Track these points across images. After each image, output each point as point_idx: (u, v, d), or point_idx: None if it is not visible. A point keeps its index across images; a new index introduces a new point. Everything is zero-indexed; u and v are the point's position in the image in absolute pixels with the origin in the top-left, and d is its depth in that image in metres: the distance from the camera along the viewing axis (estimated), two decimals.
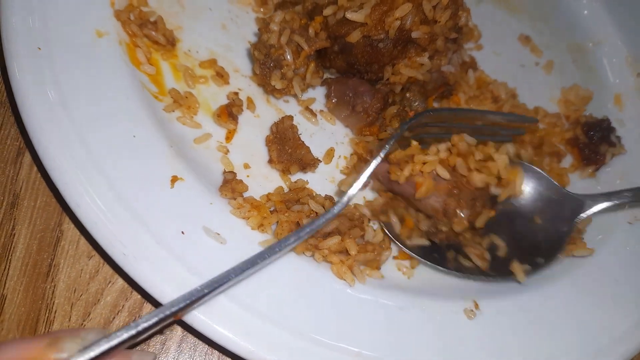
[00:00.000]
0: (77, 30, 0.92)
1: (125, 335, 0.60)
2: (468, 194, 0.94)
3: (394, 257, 0.98)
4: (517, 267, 0.97)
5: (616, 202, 1.06)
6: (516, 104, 1.21)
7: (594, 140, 1.19)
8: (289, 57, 1.00)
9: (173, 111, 0.97)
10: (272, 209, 0.92)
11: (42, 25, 0.89)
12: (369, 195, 1.04)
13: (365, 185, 0.95)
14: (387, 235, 0.97)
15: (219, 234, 0.85)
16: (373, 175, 0.95)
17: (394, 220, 0.96)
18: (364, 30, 0.98)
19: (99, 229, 0.79)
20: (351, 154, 1.07)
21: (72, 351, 0.54)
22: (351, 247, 0.89)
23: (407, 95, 1.06)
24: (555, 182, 1.06)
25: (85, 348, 0.55)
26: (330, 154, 1.05)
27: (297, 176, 1.00)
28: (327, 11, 1.01)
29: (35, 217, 0.90)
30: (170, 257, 0.80)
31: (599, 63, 1.39)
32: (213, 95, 1.02)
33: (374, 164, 0.92)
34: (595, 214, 1.05)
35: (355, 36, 0.98)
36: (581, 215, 1.04)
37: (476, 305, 0.94)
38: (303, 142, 0.99)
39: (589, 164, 1.20)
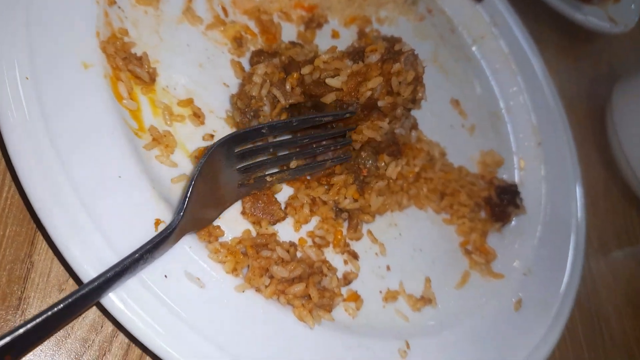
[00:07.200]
0: (63, 60, 0.91)
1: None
2: None
3: (343, 300, 1.10)
4: None
5: None
6: (445, 162, 1.40)
7: (504, 202, 1.42)
8: (266, 108, 1.07)
9: (152, 149, 1.00)
10: (242, 251, 0.99)
11: (29, 55, 0.87)
12: None
13: None
14: None
15: (199, 279, 0.91)
16: None
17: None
18: (338, 95, 1.08)
19: (85, 271, 0.81)
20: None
21: None
22: (314, 294, 1.00)
23: (362, 154, 1.17)
24: None
25: None
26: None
27: None
28: (305, 70, 1.10)
29: (4, 248, 0.88)
30: (155, 301, 0.84)
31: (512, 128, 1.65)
32: (189, 135, 1.06)
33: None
34: None
35: (329, 98, 1.09)
36: None
37: (407, 345, 1.11)
38: (275, 198, 1.07)
39: (497, 221, 1.42)
